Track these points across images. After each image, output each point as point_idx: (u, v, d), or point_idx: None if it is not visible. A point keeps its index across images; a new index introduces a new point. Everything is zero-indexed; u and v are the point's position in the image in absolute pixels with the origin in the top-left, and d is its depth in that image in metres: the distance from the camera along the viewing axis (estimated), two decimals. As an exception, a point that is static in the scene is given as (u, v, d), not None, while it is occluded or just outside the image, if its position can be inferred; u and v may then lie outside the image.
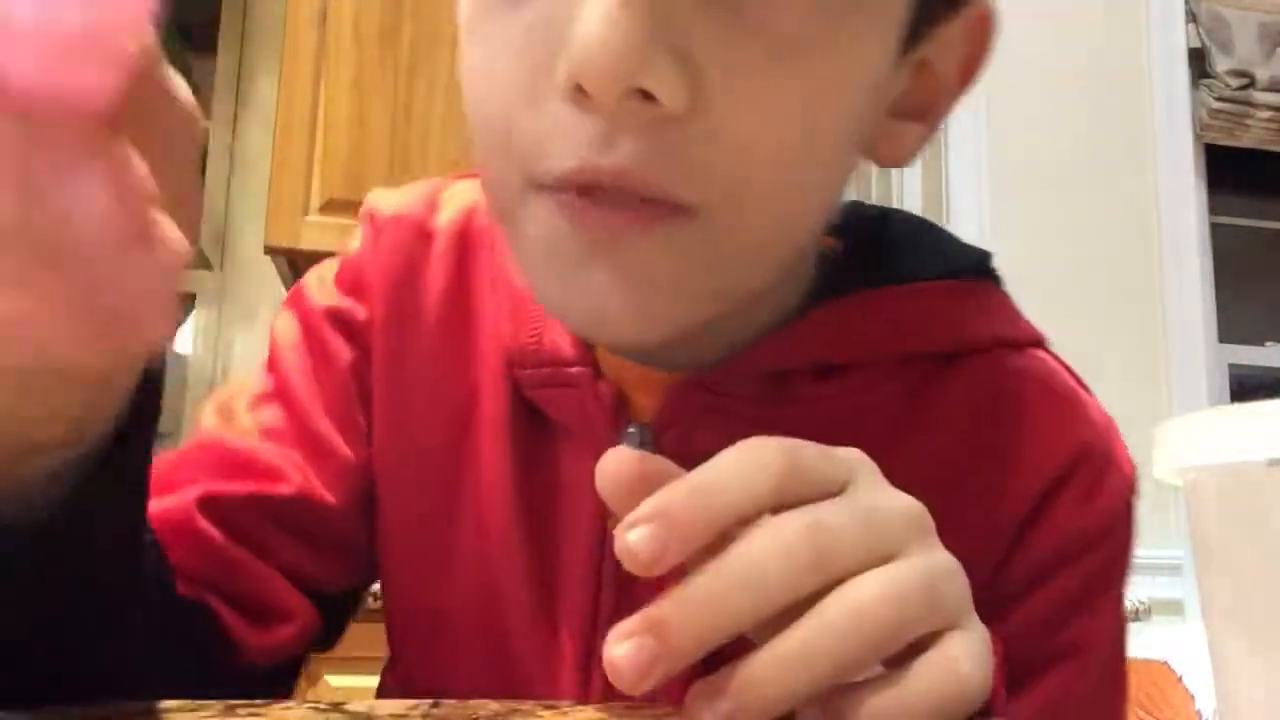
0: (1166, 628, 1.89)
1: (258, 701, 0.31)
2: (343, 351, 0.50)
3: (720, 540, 0.27)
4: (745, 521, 0.27)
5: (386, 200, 0.53)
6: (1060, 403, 0.45)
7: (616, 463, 0.28)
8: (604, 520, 0.44)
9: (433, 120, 2.00)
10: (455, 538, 0.47)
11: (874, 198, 2.22)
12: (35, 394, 0.26)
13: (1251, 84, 2.50)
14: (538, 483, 0.46)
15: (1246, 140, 2.55)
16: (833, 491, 0.29)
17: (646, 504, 0.27)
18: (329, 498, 0.48)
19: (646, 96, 0.32)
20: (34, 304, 0.22)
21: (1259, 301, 2.65)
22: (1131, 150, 2.37)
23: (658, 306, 0.36)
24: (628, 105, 0.32)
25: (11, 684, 0.30)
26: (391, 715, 0.30)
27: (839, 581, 0.27)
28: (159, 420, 0.33)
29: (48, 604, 0.32)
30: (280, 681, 0.48)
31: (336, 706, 0.30)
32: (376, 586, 0.52)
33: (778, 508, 0.28)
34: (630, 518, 0.27)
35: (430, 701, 0.32)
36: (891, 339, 0.44)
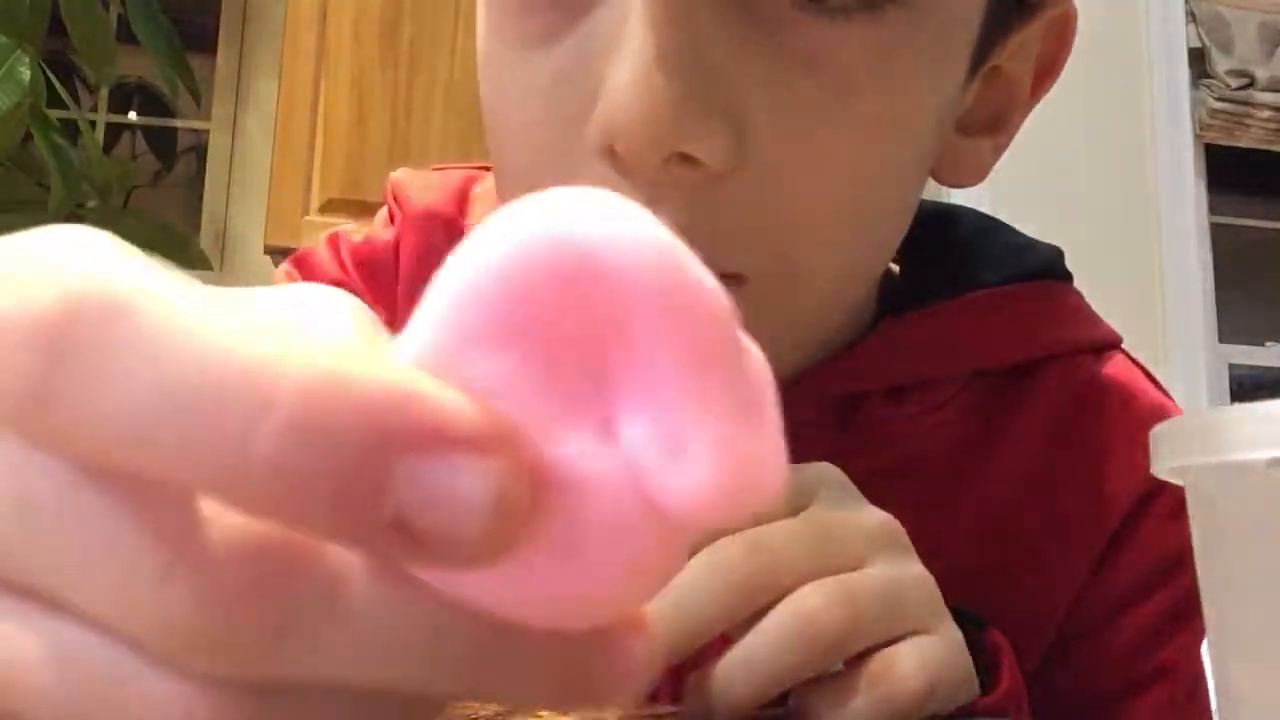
0: (1166, 628, 1.88)
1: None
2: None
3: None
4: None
5: (417, 188, 0.49)
6: (1144, 413, 0.42)
7: None
8: None
9: (433, 120, 2.00)
10: None
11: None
12: None
13: (1251, 84, 2.50)
14: None
15: (1246, 140, 2.55)
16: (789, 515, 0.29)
17: None
18: None
19: (688, 159, 0.29)
20: None
21: (1259, 301, 2.65)
22: (1131, 150, 2.37)
23: None
24: (670, 170, 0.29)
25: None
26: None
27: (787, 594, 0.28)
28: None
29: None
30: None
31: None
32: None
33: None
34: None
35: (430, 701, 0.32)
36: (963, 354, 0.41)
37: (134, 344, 0.12)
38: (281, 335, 0.12)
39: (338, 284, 0.48)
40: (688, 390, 0.13)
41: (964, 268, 0.43)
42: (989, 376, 0.42)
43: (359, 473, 0.12)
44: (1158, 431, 0.23)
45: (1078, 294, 0.45)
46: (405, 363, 0.13)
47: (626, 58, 0.27)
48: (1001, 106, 0.38)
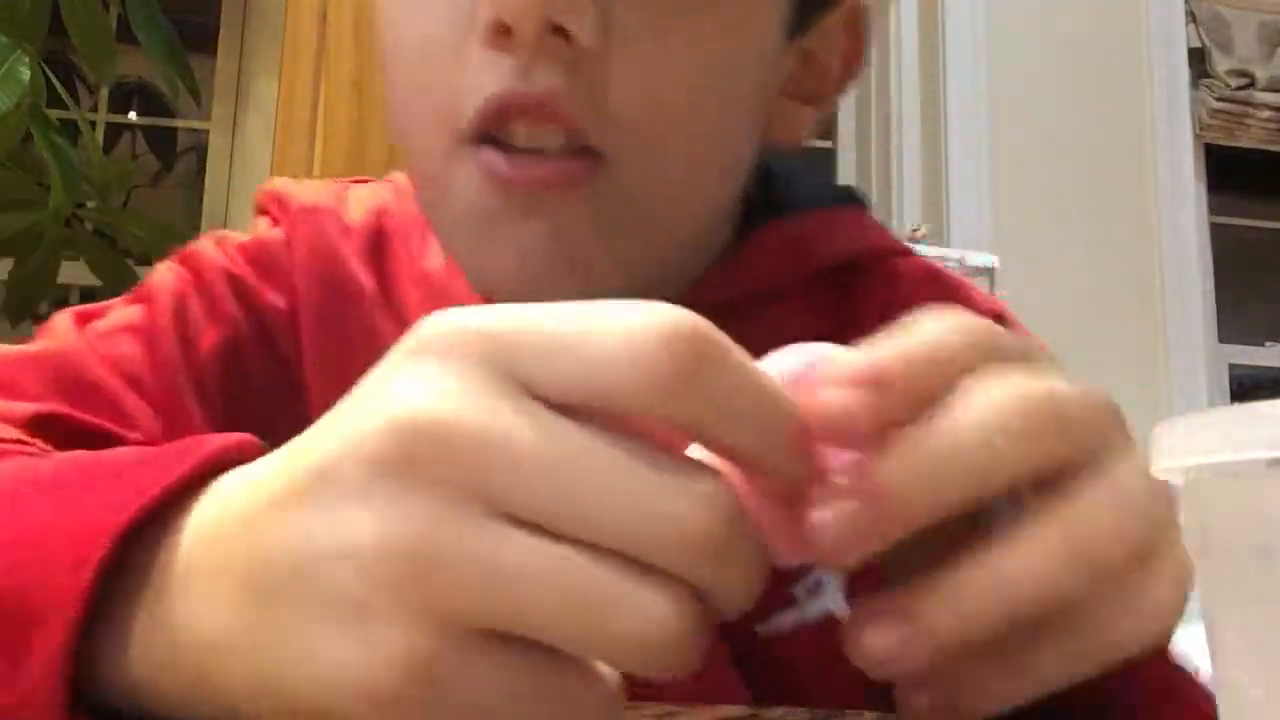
0: (1166, 628, 1.88)
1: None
2: (236, 318, 0.47)
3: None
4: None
5: (296, 192, 0.52)
6: (951, 288, 0.51)
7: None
8: None
9: (433, 120, 2.00)
10: None
11: (874, 199, 2.22)
12: None
13: (1251, 84, 2.51)
14: None
15: (1246, 140, 2.55)
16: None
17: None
18: None
19: (563, 35, 0.35)
20: None
21: (1259, 301, 2.65)
22: (1131, 150, 2.37)
23: (587, 262, 0.38)
24: (546, 41, 0.35)
25: None
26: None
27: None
28: None
29: None
30: None
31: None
32: None
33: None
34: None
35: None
36: (809, 256, 0.49)
37: (735, 365, 0.22)
38: None
39: (228, 274, 0.48)
40: None
41: (795, 195, 0.51)
42: (829, 285, 0.49)
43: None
44: (1158, 431, 0.23)
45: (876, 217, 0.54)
46: None
47: None
48: (815, 85, 0.46)
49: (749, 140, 0.44)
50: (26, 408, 0.41)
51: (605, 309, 0.22)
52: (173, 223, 2.15)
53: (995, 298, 0.53)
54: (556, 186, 0.36)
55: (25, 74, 1.65)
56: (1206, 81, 2.49)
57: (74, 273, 1.85)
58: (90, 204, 1.89)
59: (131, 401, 0.44)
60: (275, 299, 0.49)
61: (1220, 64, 2.49)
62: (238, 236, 0.51)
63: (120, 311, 0.47)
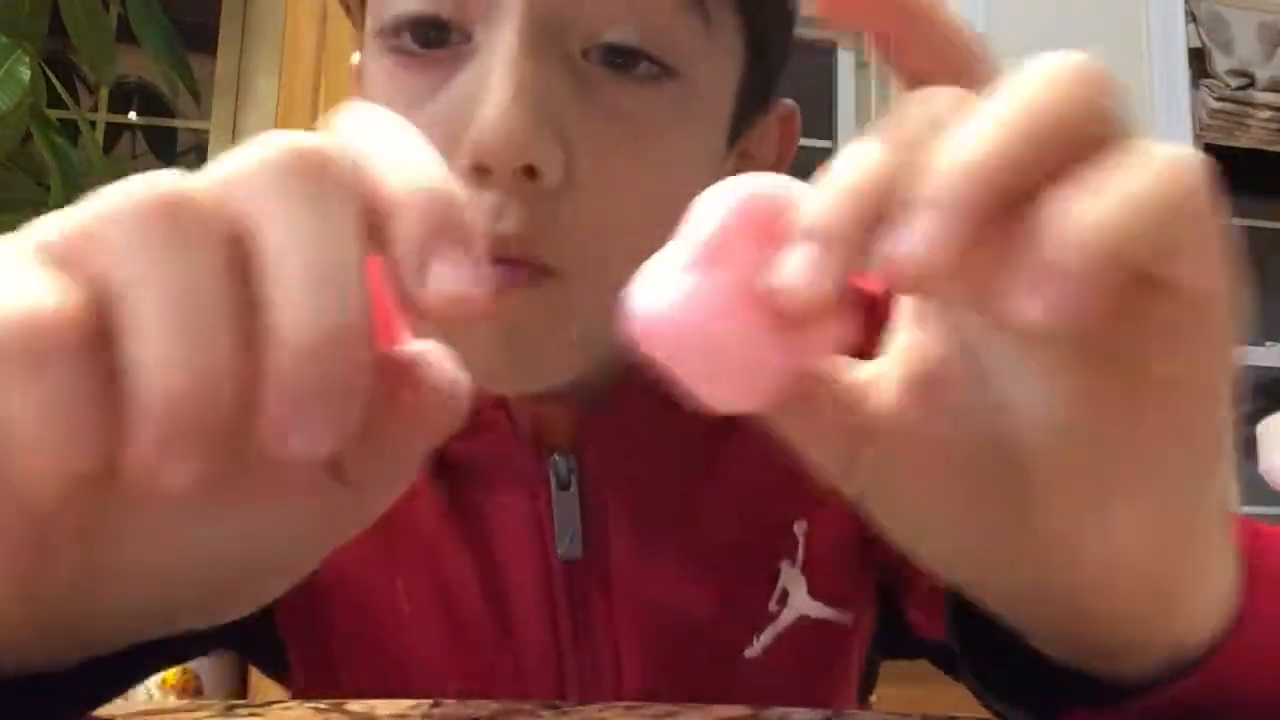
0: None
1: (257, 702, 0.31)
2: None
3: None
4: None
5: None
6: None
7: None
8: (545, 550, 0.46)
9: (433, 120, 2.01)
10: (399, 597, 0.47)
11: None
12: None
13: (1251, 84, 2.51)
14: (472, 531, 0.47)
15: (1246, 140, 2.55)
16: None
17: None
18: None
19: (531, 174, 0.37)
20: None
21: (1259, 301, 2.65)
22: (1131, 150, 2.37)
23: (530, 355, 0.40)
24: (517, 182, 0.37)
25: None
26: (392, 716, 0.30)
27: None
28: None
29: None
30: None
31: (337, 706, 0.31)
32: None
33: None
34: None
35: (431, 701, 0.32)
36: None
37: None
38: None
39: None
40: None
41: None
42: None
43: None
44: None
45: None
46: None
47: (492, 97, 0.37)
48: None
49: None
50: None
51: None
52: (173, 223, 2.14)
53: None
54: (507, 289, 0.38)
55: (25, 74, 1.65)
56: (1206, 81, 2.49)
57: (74, 273, 1.85)
58: (90, 204, 1.89)
59: None
60: None
61: (1220, 64, 2.49)
62: None
63: None
